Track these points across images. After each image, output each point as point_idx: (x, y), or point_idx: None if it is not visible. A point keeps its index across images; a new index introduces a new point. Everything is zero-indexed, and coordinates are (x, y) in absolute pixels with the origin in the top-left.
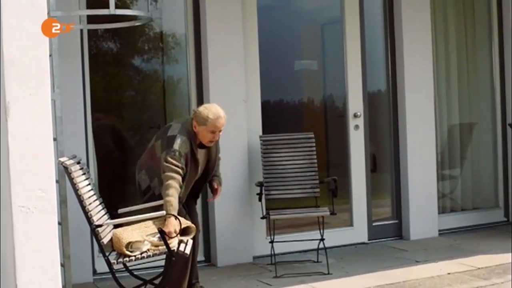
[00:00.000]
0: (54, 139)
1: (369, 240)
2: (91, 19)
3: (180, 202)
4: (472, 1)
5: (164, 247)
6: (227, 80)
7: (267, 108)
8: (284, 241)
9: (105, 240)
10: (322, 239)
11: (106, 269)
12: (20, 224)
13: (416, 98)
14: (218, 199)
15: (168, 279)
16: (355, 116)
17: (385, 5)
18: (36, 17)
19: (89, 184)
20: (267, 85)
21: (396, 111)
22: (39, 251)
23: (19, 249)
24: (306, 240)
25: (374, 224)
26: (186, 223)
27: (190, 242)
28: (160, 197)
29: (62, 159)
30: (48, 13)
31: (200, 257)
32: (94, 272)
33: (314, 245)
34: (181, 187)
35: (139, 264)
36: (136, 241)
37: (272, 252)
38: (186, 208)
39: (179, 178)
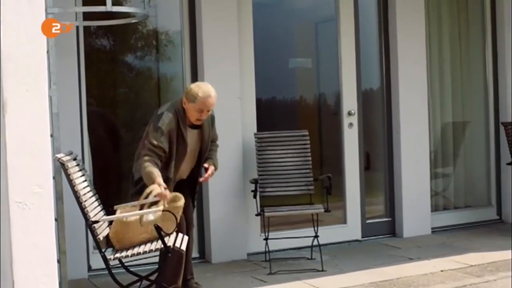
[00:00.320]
0: (51, 135)
1: (362, 237)
2: (86, 16)
3: (173, 182)
4: (466, 0)
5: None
6: (222, 78)
7: (261, 106)
8: (279, 238)
9: (101, 236)
10: (316, 236)
11: (101, 266)
12: (17, 219)
13: (410, 97)
14: (213, 196)
15: (163, 275)
16: (349, 114)
17: (380, 4)
18: (34, 13)
19: (85, 180)
20: (261, 83)
21: (390, 109)
22: (36, 247)
23: (16, 245)
24: (300, 237)
25: (367, 221)
26: (173, 195)
27: (186, 238)
28: None
29: (58, 155)
30: (46, 10)
31: (194, 253)
32: (89, 268)
33: (308, 242)
34: (164, 164)
35: (134, 260)
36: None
37: (267, 249)
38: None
39: (154, 156)
